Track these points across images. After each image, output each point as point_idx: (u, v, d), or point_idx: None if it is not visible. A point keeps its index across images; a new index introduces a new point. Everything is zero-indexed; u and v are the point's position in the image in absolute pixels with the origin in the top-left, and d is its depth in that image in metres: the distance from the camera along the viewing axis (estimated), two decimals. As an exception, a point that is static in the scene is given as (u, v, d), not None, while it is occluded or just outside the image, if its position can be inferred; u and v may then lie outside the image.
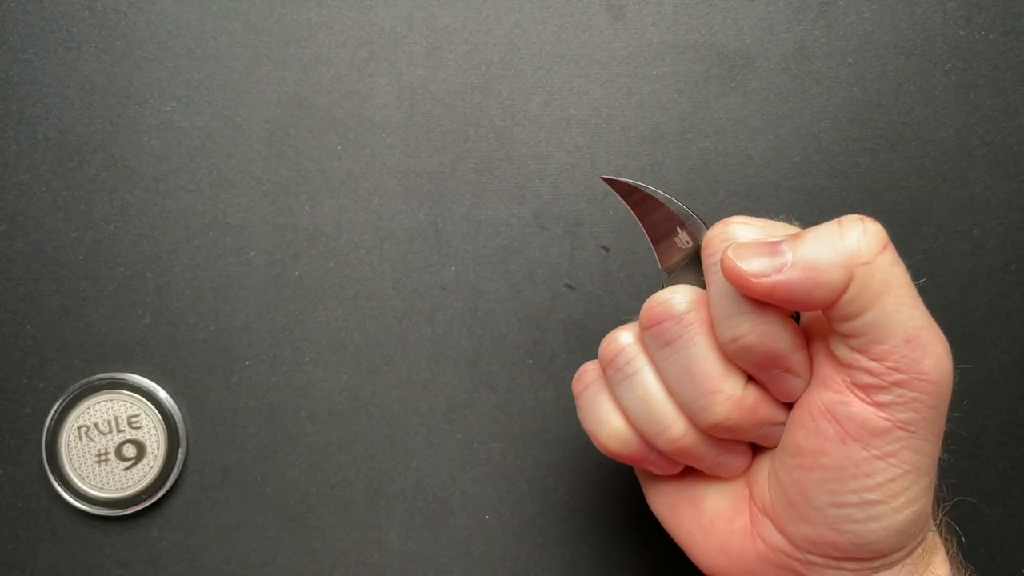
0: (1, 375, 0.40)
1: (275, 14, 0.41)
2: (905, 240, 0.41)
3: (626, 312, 0.41)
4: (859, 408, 0.28)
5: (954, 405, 0.41)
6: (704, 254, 0.30)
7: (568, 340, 0.41)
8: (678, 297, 0.30)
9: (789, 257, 0.27)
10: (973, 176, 0.41)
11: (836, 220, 0.28)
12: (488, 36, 0.41)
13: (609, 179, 0.32)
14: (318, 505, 0.40)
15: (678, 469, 0.33)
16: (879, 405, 0.28)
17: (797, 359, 0.29)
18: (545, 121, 0.41)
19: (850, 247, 0.27)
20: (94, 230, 0.40)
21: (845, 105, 0.41)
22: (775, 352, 0.29)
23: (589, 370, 0.33)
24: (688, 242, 0.32)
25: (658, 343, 0.30)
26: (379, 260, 0.41)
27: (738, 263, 0.28)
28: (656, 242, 0.32)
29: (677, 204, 0.32)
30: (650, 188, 0.32)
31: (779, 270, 0.27)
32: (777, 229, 0.30)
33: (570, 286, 0.41)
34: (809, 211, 0.41)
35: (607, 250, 0.41)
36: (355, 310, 0.41)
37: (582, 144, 0.41)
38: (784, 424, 0.31)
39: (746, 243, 0.28)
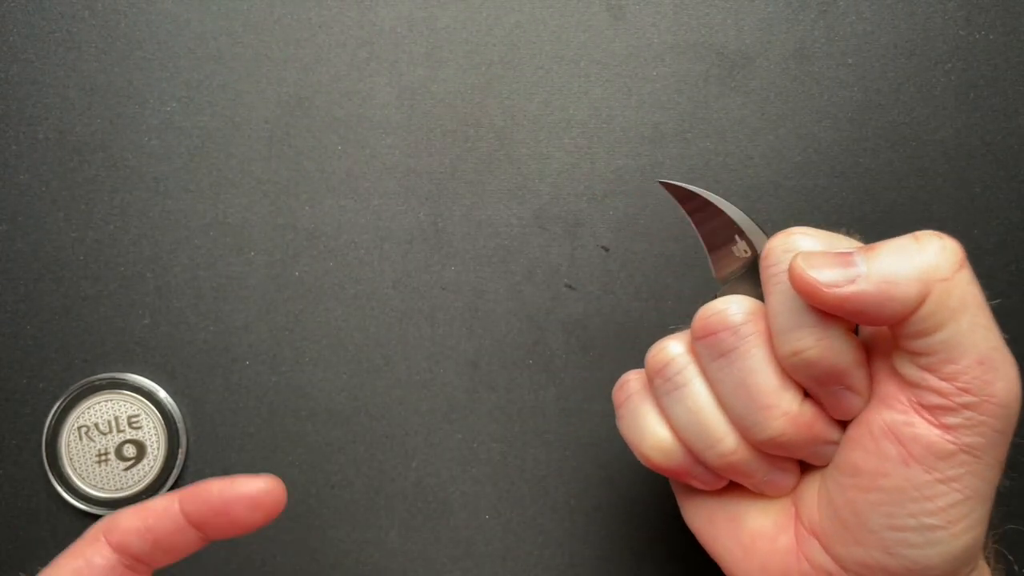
0: (1, 375, 0.40)
1: (275, 14, 0.41)
2: (905, 240, 0.41)
3: (626, 312, 0.41)
4: (924, 430, 0.27)
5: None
6: (764, 264, 0.29)
7: (568, 340, 0.41)
8: (735, 307, 0.29)
9: (863, 269, 0.27)
10: (973, 176, 0.41)
11: (912, 235, 0.27)
12: (488, 36, 0.41)
13: (666, 183, 0.31)
14: (318, 505, 0.40)
15: (723, 484, 0.32)
16: (946, 427, 0.27)
17: (858, 376, 0.29)
18: (545, 121, 0.41)
19: (928, 262, 0.26)
20: (94, 230, 0.40)
21: (845, 105, 0.41)
22: (837, 368, 0.28)
23: (632, 379, 0.32)
24: (747, 251, 0.31)
25: (712, 354, 0.29)
26: (379, 260, 0.41)
27: (809, 271, 0.27)
28: (712, 250, 0.31)
29: (737, 211, 0.31)
30: (709, 194, 0.31)
31: (852, 281, 0.26)
32: (841, 242, 0.29)
33: (570, 286, 0.41)
34: (809, 211, 0.41)
35: (607, 250, 0.41)
36: (355, 310, 0.41)
37: (582, 144, 0.41)
38: (838, 443, 0.30)
39: (816, 252, 0.27)
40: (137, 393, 0.40)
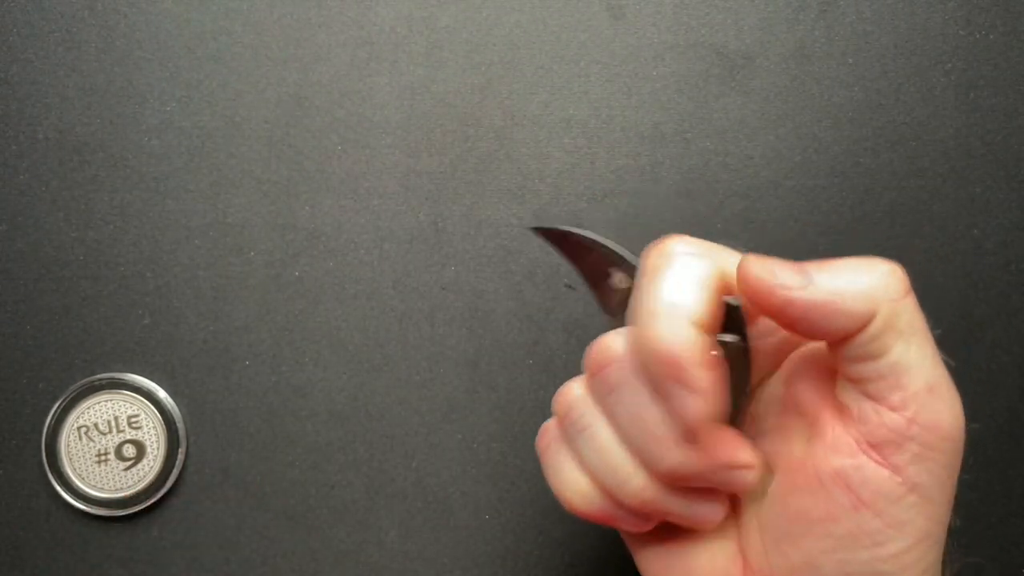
0: (1, 375, 0.40)
1: (275, 14, 0.41)
2: (905, 240, 0.41)
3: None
4: (873, 471, 0.27)
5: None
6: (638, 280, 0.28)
7: (568, 340, 0.41)
8: (618, 340, 0.29)
9: (815, 278, 0.26)
10: (973, 176, 0.41)
11: (860, 258, 0.27)
12: (488, 36, 0.41)
13: (536, 228, 0.31)
14: (318, 505, 0.40)
15: (650, 525, 0.30)
16: (895, 467, 0.26)
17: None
18: (545, 121, 0.41)
19: (878, 281, 0.26)
20: (94, 230, 0.40)
21: (845, 105, 0.41)
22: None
23: (550, 427, 0.31)
24: (623, 282, 0.30)
25: (604, 390, 0.29)
26: (379, 260, 0.41)
27: (763, 270, 0.27)
28: (594, 287, 0.31)
29: (607, 246, 0.30)
30: (579, 232, 0.31)
31: (803, 287, 0.26)
32: (723, 252, 0.28)
33: (570, 286, 0.41)
34: (809, 211, 0.41)
35: (573, 288, 0.41)
36: (355, 310, 0.41)
37: (582, 144, 0.41)
38: (754, 466, 0.29)
39: (766, 257, 0.27)
40: (137, 393, 0.40)
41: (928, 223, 0.41)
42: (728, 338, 0.28)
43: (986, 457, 0.41)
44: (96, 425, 0.40)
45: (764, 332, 0.30)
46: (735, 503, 0.31)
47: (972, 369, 0.41)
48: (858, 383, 0.27)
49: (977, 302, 0.41)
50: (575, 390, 0.30)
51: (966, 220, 0.41)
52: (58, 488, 0.40)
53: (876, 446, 0.27)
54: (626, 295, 0.30)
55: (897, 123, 0.41)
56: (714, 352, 0.27)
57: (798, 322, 0.27)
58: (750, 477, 0.29)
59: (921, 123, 0.41)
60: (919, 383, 0.26)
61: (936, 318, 0.41)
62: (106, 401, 0.40)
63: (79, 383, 0.40)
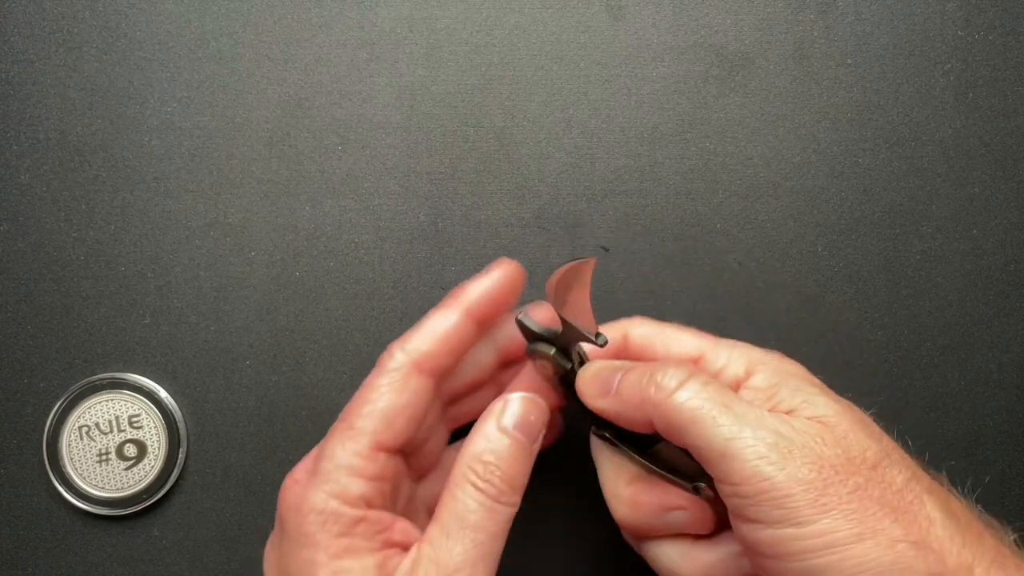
0: (2, 375, 0.40)
1: (276, 15, 0.41)
2: (905, 240, 0.41)
3: (626, 313, 0.41)
4: (745, 531, 0.30)
5: (954, 405, 0.41)
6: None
7: (568, 340, 0.41)
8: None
9: (614, 387, 0.32)
10: (972, 176, 0.41)
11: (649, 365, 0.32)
12: (488, 37, 0.41)
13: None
14: (318, 505, 0.40)
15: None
16: (745, 519, 0.29)
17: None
18: (545, 121, 0.41)
19: (646, 390, 0.31)
20: (95, 230, 0.40)
21: (844, 105, 0.41)
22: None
23: None
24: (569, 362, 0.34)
25: None
26: (379, 260, 0.41)
27: (579, 388, 0.34)
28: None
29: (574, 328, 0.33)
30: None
31: (605, 396, 0.33)
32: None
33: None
34: (808, 211, 0.41)
35: (607, 250, 0.41)
36: (355, 310, 0.41)
37: (582, 144, 0.41)
38: (684, 507, 0.33)
39: (593, 370, 0.33)
40: (138, 393, 0.40)
41: (927, 223, 0.41)
42: (538, 347, 0.34)
43: (986, 457, 0.41)
44: (97, 425, 0.40)
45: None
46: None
47: (971, 369, 0.41)
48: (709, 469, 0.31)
49: (976, 302, 0.41)
50: None
51: (965, 220, 0.41)
52: (59, 487, 0.40)
53: (737, 515, 0.30)
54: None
55: (896, 123, 0.41)
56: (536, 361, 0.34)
57: (618, 422, 0.33)
58: (691, 517, 0.33)
59: (920, 123, 0.41)
60: (715, 462, 0.30)
61: (936, 318, 0.41)
62: (107, 401, 0.40)
63: (80, 383, 0.40)
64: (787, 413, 0.30)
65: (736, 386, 0.32)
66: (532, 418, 0.32)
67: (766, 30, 0.41)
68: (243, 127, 0.41)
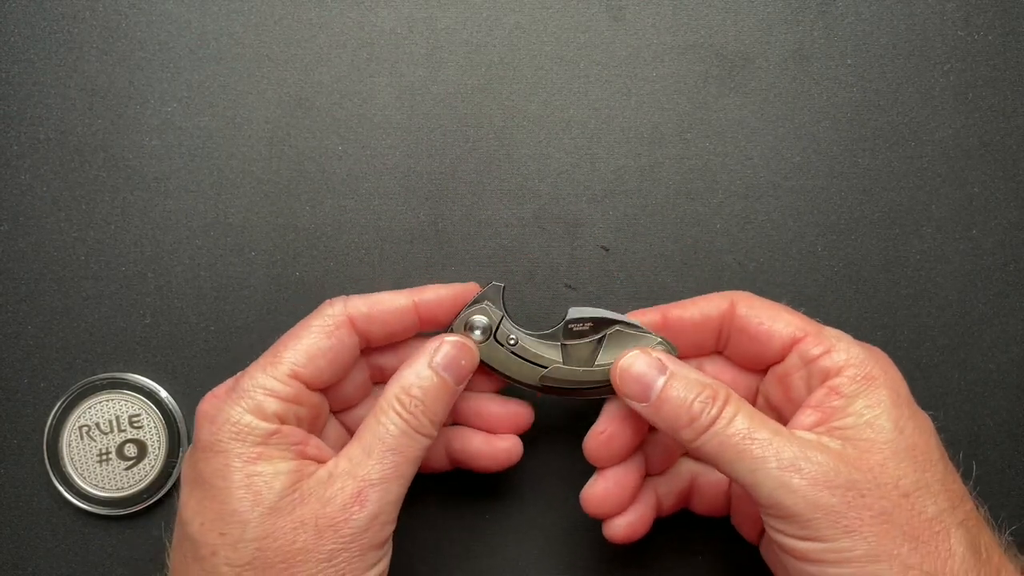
0: (2, 375, 0.40)
1: (276, 15, 0.41)
2: (904, 240, 0.41)
3: (626, 312, 0.41)
4: (773, 533, 0.32)
5: (954, 405, 0.41)
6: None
7: (568, 340, 0.41)
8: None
9: (653, 395, 0.34)
10: (972, 176, 0.41)
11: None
12: (488, 37, 0.41)
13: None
14: (318, 505, 0.40)
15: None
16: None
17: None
18: (545, 121, 0.41)
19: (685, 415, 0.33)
20: (95, 230, 0.41)
21: (844, 105, 0.41)
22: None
23: None
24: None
25: None
26: (379, 260, 0.41)
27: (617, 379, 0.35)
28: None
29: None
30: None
31: (642, 402, 0.34)
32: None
33: (570, 286, 0.41)
34: (808, 211, 0.41)
35: (607, 250, 0.41)
36: (355, 310, 0.41)
37: (582, 144, 0.41)
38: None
39: (637, 367, 0.35)
40: (138, 393, 0.40)
41: (927, 223, 0.41)
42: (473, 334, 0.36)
43: (986, 457, 0.41)
44: (97, 424, 0.40)
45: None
46: None
47: (972, 369, 0.41)
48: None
49: (976, 302, 0.41)
50: None
51: (965, 220, 0.41)
52: (60, 487, 0.40)
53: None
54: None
55: (896, 123, 0.41)
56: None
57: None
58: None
59: (920, 123, 0.41)
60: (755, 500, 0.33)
61: (936, 318, 0.41)
62: (107, 401, 0.40)
63: (80, 383, 0.40)
64: (845, 429, 0.32)
65: (824, 377, 0.33)
66: (463, 362, 0.35)
67: (766, 31, 0.41)
68: (244, 127, 0.41)
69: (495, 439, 0.37)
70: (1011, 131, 0.41)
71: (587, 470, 0.41)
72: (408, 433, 0.33)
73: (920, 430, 0.32)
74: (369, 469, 0.32)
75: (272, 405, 0.33)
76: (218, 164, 0.41)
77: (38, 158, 0.40)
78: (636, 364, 0.34)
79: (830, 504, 0.30)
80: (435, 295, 0.36)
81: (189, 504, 0.32)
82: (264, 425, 0.32)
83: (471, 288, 0.36)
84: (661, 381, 0.33)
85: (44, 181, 0.40)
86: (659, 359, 0.34)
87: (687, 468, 0.38)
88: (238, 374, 0.34)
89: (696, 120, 0.41)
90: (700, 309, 0.36)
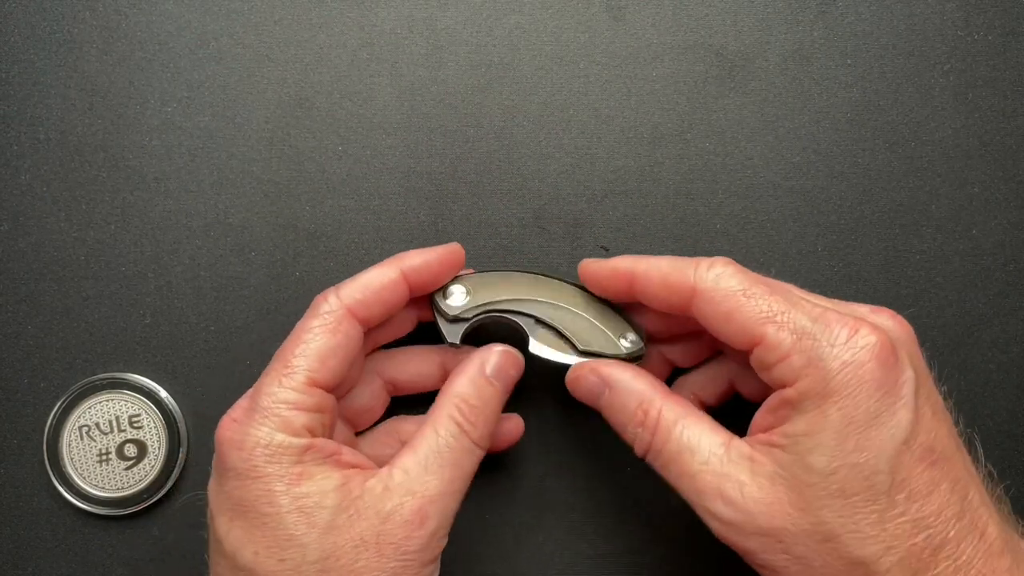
0: (2, 375, 0.40)
1: (276, 15, 0.41)
2: (904, 240, 0.41)
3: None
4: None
5: (954, 405, 0.41)
6: None
7: (568, 340, 0.41)
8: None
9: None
10: (972, 176, 0.41)
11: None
12: (488, 37, 0.41)
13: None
14: (318, 505, 0.40)
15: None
16: None
17: None
18: (545, 121, 0.41)
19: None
20: (95, 230, 0.41)
21: (844, 106, 0.41)
22: None
23: None
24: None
25: None
26: (379, 260, 0.40)
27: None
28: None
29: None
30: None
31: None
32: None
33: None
34: (808, 211, 0.41)
35: (607, 250, 0.41)
36: (355, 310, 0.41)
37: (582, 144, 0.41)
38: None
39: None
40: (138, 393, 0.40)
41: (927, 223, 0.41)
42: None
43: (986, 457, 0.41)
44: (97, 425, 0.40)
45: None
46: None
47: (971, 369, 0.41)
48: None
49: (976, 302, 0.41)
50: None
51: (965, 220, 0.41)
52: (59, 487, 0.40)
53: None
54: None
55: (895, 123, 0.41)
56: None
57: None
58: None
59: (919, 123, 0.41)
60: None
61: (936, 318, 0.41)
62: (107, 401, 0.40)
63: (80, 383, 0.40)
64: (785, 447, 0.30)
65: (779, 384, 0.31)
66: (512, 371, 0.35)
67: (765, 30, 0.41)
68: (244, 127, 0.41)
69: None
70: (1011, 131, 0.41)
71: (587, 470, 0.41)
72: (466, 445, 0.33)
73: (877, 456, 0.29)
74: (428, 484, 0.32)
75: (299, 419, 0.32)
76: (218, 164, 0.41)
77: (38, 158, 0.40)
78: (577, 387, 0.35)
79: (747, 547, 0.30)
80: (422, 260, 0.35)
81: (233, 534, 0.31)
82: (297, 441, 0.31)
83: (455, 249, 0.36)
84: (604, 396, 0.34)
85: (44, 181, 0.40)
86: (598, 381, 0.34)
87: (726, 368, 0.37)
88: (249, 393, 0.33)
89: (696, 120, 0.41)
90: (662, 294, 0.33)
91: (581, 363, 0.35)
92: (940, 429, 0.30)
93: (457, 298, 0.36)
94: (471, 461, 0.33)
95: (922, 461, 0.29)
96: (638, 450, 0.33)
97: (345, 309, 0.33)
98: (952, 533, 0.29)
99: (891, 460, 0.29)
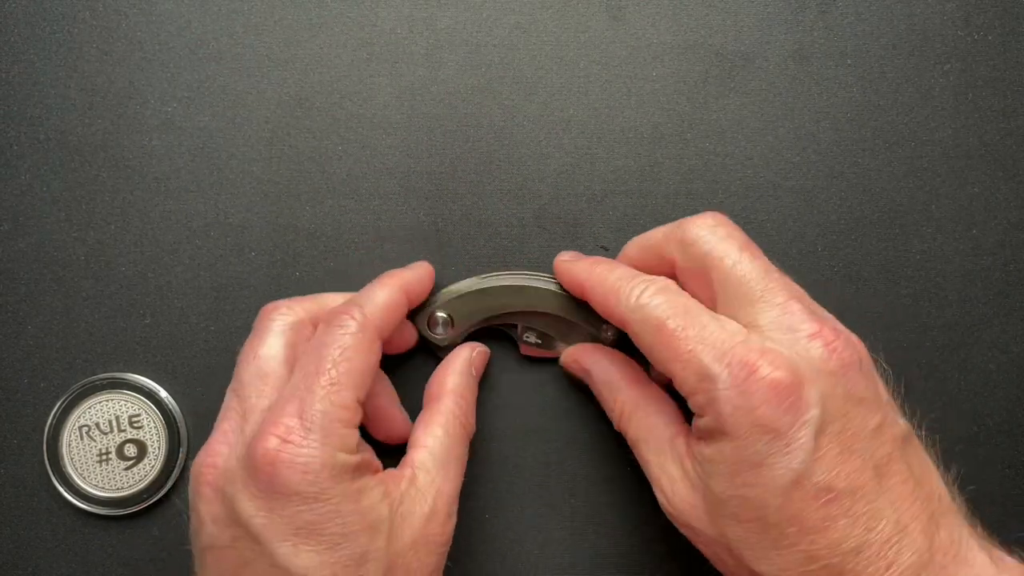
0: (2, 375, 0.40)
1: (276, 15, 0.41)
2: (904, 240, 0.41)
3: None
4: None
5: (954, 405, 0.41)
6: None
7: (568, 340, 0.41)
8: None
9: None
10: (972, 176, 0.41)
11: None
12: (488, 37, 0.41)
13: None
14: (318, 505, 0.40)
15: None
16: None
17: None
18: (545, 121, 0.41)
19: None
20: (95, 230, 0.41)
21: (844, 105, 0.41)
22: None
23: None
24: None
25: None
26: (379, 260, 0.41)
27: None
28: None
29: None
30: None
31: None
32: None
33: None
34: (808, 211, 0.41)
35: (607, 250, 0.41)
36: (355, 310, 0.41)
37: (582, 144, 0.41)
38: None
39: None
40: (138, 393, 0.40)
41: (927, 223, 0.41)
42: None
43: (986, 457, 0.41)
44: (97, 425, 0.40)
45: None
46: None
47: (971, 369, 0.41)
48: None
49: (976, 302, 0.41)
50: None
51: (965, 220, 0.41)
52: (59, 487, 0.40)
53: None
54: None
55: (896, 123, 0.41)
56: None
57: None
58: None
59: (920, 123, 0.41)
60: None
61: (936, 318, 0.41)
62: (107, 401, 0.40)
63: (80, 383, 0.40)
64: (695, 467, 0.33)
65: (698, 413, 0.32)
66: (482, 364, 0.39)
67: (765, 30, 0.41)
68: (243, 127, 0.41)
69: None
70: (1011, 131, 0.41)
71: (587, 471, 0.41)
72: (464, 437, 0.36)
73: (765, 492, 0.29)
74: (446, 480, 0.35)
75: (352, 436, 0.33)
76: (218, 164, 0.41)
77: (38, 158, 0.40)
78: (569, 374, 0.40)
79: (684, 533, 0.34)
80: (415, 280, 0.38)
81: (301, 560, 0.31)
82: (353, 459, 0.32)
83: (429, 267, 0.39)
84: (588, 381, 0.39)
85: (44, 181, 0.40)
86: (579, 368, 0.39)
87: None
88: (290, 408, 0.32)
89: (696, 120, 0.41)
90: (604, 312, 0.36)
91: (567, 351, 0.39)
92: (846, 466, 0.30)
93: (442, 328, 0.39)
94: (465, 452, 0.36)
95: (816, 499, 0.29)
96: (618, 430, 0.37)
97: (374, 329, 0.35)
98: (850, 566, 0.29)
99: (780, 497, 0.29)
